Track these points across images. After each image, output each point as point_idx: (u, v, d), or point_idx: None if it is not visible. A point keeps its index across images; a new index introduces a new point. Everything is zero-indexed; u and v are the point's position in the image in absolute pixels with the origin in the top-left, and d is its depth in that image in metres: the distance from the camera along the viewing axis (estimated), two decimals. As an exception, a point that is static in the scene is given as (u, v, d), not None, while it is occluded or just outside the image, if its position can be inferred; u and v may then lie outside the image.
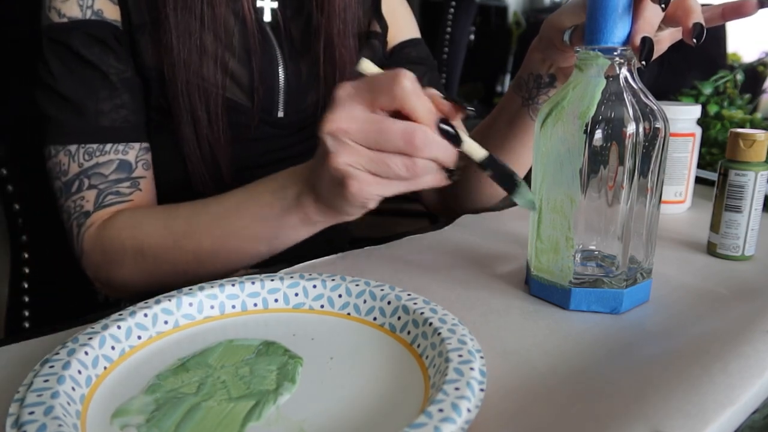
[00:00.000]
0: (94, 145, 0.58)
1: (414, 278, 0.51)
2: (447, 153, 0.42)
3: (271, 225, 0.52)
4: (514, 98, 0.63)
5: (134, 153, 0.60)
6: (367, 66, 0.42)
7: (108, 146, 0.58)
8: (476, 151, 0.43)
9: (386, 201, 0.45)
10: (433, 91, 0.42)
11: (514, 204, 0.47)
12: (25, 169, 0.76)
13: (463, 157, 0.43)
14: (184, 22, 0.58)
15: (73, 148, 0.58)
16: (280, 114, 0.66)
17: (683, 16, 0.43)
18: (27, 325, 0.79)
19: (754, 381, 0.35)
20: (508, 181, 0.44)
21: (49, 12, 0.58)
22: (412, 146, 0.40)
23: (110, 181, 0.58)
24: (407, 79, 0.40)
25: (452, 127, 0.42)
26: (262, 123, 0.65)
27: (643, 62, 0.43)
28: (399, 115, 0.41)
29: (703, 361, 0.37)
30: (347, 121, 0.41)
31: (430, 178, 0.43)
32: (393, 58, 0.75)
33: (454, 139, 0.42)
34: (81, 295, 0.77)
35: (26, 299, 0.79)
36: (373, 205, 0.45)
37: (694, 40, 0.43)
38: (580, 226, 0.46)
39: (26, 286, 0.79)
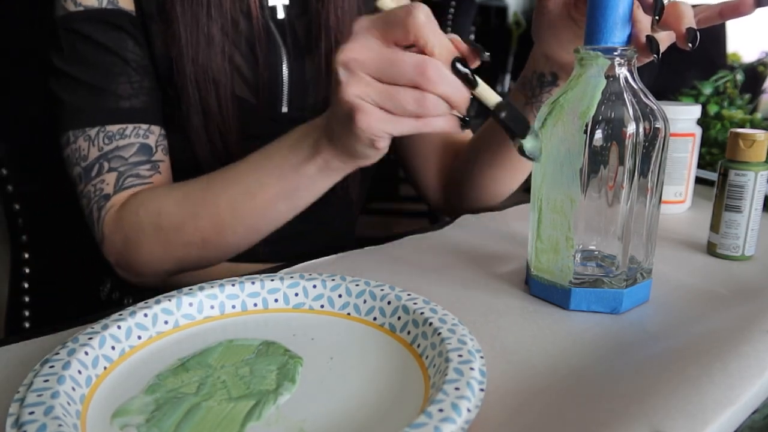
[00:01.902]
0: (115, 129, 0.58)
1: (414, 278, 0.51)
2: (459, 93, 0.41)
3: (289, 179, 0.51)
4: (518, 97, 0.63)
5: (155, 137, 0.60)
6: (385, 2, 0.42)
7: (129, 129, 0.58)
8: (490, 96, 0.42)
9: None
10: (452, 35, 0.42)
11: (515, 204, 0.47)
12: (25, 169, 0.76)
13: (476, 105, 0.43)
14: (190, 12, 0.59)
15: (93, 132, 0.58)
16: (284, 109, 0.67)
17: (675, 22, 0.43)
18: (27, 325, 0.79)
19: (754, 381, 0.35)
20: (521, 124, 0.43)
21: (65, 2, 0.59)
22: (424, 78, 0.39)
23: (130, 163, 0.58)
24: (422, 12, 0.39)
25: (468, 67, 0.41)
26: (266, 118, 0.65)
27: (655, 56, 0.44)
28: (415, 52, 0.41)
29: (703, 361, 0.37)
30: (360, 51, 0.40)
31: (441, 121, 0.42)
32: None
33: (469, 81, 0.41)
34: (81, 295, 0.77)
35: (26, 299, 0.79)
36: (383, 144, 0.44)
37: (689, 45, 0.43)
38: (580, 226, 0.46)
39: (26, 286, 0.79)
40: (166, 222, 0.55)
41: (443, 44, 0.40)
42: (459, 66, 0.41)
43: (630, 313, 0.45)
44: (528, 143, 0.43)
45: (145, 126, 0.59)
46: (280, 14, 0.66)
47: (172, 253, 0.57)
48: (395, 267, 0.54)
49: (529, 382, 0.36)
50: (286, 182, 0.52)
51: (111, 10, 0.59)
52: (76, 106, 0.58)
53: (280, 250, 0.67)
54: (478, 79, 0.42)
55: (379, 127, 0.42)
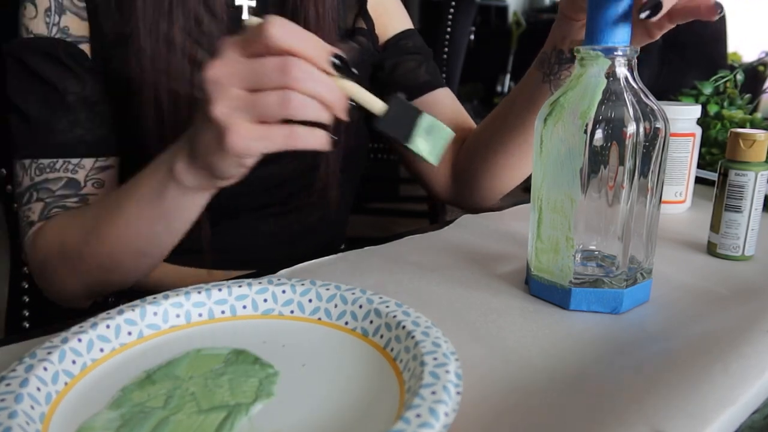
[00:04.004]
0: (46, 161, 0.58)
1: (414, 278, 0.51)
2: (330, 92, 0.40)
3: (155, 204, 0.50)
4: (536, 74, 0.61)
5: (84, 172, 0.59)
6: (252, 20, 0.42)
7: (59, 164, 0.58)
8: (374, 102, 0.41)
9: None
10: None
11: (515, 204, 0.47)
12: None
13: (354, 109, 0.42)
14: (151, 18, 0.57)
15: (27, 162, 0.58)
16: None
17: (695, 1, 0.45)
18: (27, 325, 0.79)
19: (754, 381, 0.35)
20: (405, 127, 0.42)
21: (21, 29, 0.59)
22: (288, 77, 0.39)
23: (57, 195, 0.58)
24: (274, 23, 0.39)
25: (342, 59, 0.40)
26: None
27: (648, 12, 0.44)
28: None
29: (703, 361, 0.37)
30: (227, 65, 0.40)
31: (310, 136, 0.41)
32: (389, 51, 0.75)
33: (344, 71, 0.40)
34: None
35: (26, 299, 0.79)
36: (250, 162, 0.43)
37: (718, 12, 0.44)
38: (580, 226, 0.46)
39: (26, 286, 0.79)
40: (68, 249, 0.55)
41: (310, 45, 0.40)
42: (333, 60, 0.40)
43: (630, 313, 0.45)
44: (420, 144, 0.42)
45: (75, 161, 0.59)
46: (245, 15, 0.64)
47: (80, 278, 0.57)
48: (395, 267, 0.54)
49: (529, 382, 0.36)
50: (155, 207, 0.50)
51: (55, 40, 0.58)
52: (16, 135, 0.59)
53: (260, 258, 0.67)
54: (359, 87, 0.41)
55: (248, 145, 0.40)
